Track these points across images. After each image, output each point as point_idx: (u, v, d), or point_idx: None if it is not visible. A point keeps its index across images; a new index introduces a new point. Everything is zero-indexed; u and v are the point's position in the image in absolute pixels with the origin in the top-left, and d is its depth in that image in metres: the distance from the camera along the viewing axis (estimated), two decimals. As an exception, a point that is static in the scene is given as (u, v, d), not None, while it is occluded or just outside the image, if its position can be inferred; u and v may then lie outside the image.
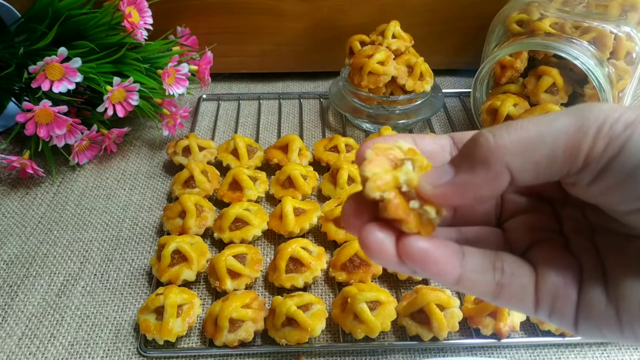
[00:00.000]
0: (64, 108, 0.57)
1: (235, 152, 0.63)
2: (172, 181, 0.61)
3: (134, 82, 0.59)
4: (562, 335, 0.46)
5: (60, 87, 0.56)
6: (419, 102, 0.69)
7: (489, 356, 0.46)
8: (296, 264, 0.50)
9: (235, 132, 0.72)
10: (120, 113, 0.59)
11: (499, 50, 0.61)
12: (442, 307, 0.45)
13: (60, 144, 0.59)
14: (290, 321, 0.44)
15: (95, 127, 0.62)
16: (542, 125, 0.20)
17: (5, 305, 0.49)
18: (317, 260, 0.50)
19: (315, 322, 0.44)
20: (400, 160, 0.21)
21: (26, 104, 0.55)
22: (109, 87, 0.57)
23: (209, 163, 0.64)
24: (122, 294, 0.51)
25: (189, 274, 0.50)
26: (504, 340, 0.46)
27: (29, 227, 0.57)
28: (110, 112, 0.58)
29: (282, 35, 0.78)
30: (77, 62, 0.56)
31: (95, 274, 0.53)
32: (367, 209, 0.21)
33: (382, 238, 0.21)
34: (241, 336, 0.45)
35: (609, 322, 0.21)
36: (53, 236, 0.56)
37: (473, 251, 0.22)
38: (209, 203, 0.57)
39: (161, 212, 0.59)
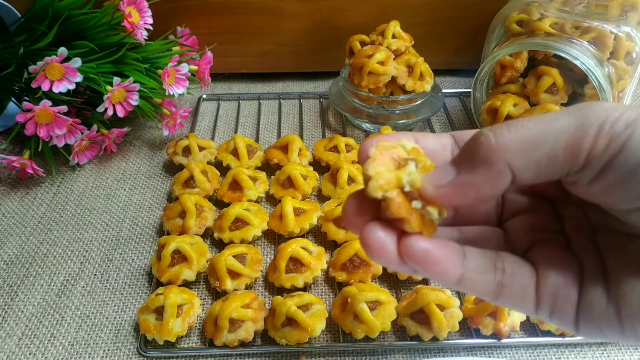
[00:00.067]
0: (64, 108, 0.57)
1: (235, 152, 0.63)
2: (172, 181, 0.61)
3: (134, 82, 0.59)
4: (562, 335, 0.46)
5: (60, 87, 0.56)
6: (419, 102, 0.69)
7: (489, 356, 0.46)
8: (296, 264, 0.50)
9: (235, 132, 0.72)
10: (120, 113, 0.59)
11: (499, 50, 0.61)
12: (442, 307, 0.45)
13: (60, 144, 0.59)
14: (290, 321, 0.44)
15: (95, 127, 0.62)
16: (543, 124, 0.20)
17: (5, 305, 0.49)
18: (317, 260, 0.50)
19: (315, 322, 0.44)
20: (403, 160, 0.21)
21: (26, 104, 0.55)
22: (109, 87, 0.57)
23: (209, 163, 0.64)
24: (122, 294, 0.51)
25: (189, 274, 0.50)
26: (504, 340, 0.46)
27: (29, 227, 0.57)
28: (110, 112, 0.58)
29: (282, 35, 0.78)
30: (77, 62, 0.56)
31: (95, 274, 0.53)
32: (369, 208, 0.21)
33: (383, 237, 0.21)
34: (241, 336, 0.45)
35: (609, 321, 0.21)
36: (53, 236, 0.56)
37: (474, 251, 0.22)
38: (209, 203, 0.57)
39: (161, 212, 0.59)
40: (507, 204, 0.26)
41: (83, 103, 0.65)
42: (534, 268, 0.23)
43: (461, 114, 0.76)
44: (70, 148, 0.61)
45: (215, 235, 0.54)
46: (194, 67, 0.68)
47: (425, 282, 0.51)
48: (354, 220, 0.22)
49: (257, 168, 0.63)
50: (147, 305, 0.46)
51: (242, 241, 0.53)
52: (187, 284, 0.51)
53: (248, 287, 0.50)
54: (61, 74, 0.56)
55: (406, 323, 0.46)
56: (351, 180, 0.59)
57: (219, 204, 0.59)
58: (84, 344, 0.46)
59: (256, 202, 0.59)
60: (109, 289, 0.51)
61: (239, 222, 0.54)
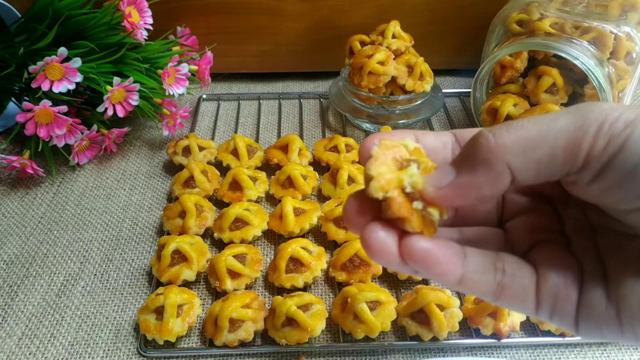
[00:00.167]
0: (64, 108, 0.57)
1: (235, 152, 0.63)
2: (172, 181, 0.61)
3: (134, 82, 0.59)
4: (562, 335, 0.46)
5: (60, 87, 0.56)
6: (419, 102, 0.69)
7: (489, 356, 0.46)
8: (296, 264, 0.50)
9: (235, 132, 0.72)
10: (120, 113, 0.59)
11: (499, 50, 0.61)
12: (442, 307, 0.45)
13: (60, 144, 0.59)
14: (290, 321, 0.44)
15: (95, 127, 0.62)
16: (542, 124, 0.20)
17: (5, 305, 0.49)
18: (317, 260, 0.50)
19: (315, 322, 0.44)
20: (405, 161, 0.21)
21: (26, 104, 0.55)
22: (109, 87, 0.57)
23: (209, 163, 0.64)
24: (122, 294, 0.51)
25: (189, 274, 0.50)
26: (504, 340, 0.46)
27: (29, 227, 0.57)
28: (110, 112, 0.58)
29: (282, 35, 0.78)
30: (77, 62, 0.56)
31: (95, 274, 0.53)
32: (370, 208, 0.21)
33: (384, 237, 0.21)
34: (241, 336, 0.45)
35: (609, 322, 0.21)
36: (53, 236, 0.56)
37: (474, 252, 0.22)
38: (209, 203, 0.57)
39: (161, 212, 0.59)
40: (508, 205, 0.26)
41: (83, 103, 0.65)
42: (534, 269, 0.23)
43: (461, 114, 0.76)
44: (70, 148, 0.61)
45: (215, 235, 0.54)
46: (194, 67, 0.68)
47: (425, 282, 0.51)
48: (355, 220, 0.22)
49: (257, 168, 0.63)
50: (147, 305, 0.46)
51: (242, 241, 0.53)
52: (187, 284, 0.51)
53: (248, 287, 0.50)
54: (61, 74, 0.56)
55: (406, 323, 0.46)
56: (351, 180, 0.59)
57: (219, 204, 0.59)
58: (84, 344, 0.46)
59: (256, 202, 0.59)
60: (109, 289, 0.51)
61: (239, 222, 0.54)
